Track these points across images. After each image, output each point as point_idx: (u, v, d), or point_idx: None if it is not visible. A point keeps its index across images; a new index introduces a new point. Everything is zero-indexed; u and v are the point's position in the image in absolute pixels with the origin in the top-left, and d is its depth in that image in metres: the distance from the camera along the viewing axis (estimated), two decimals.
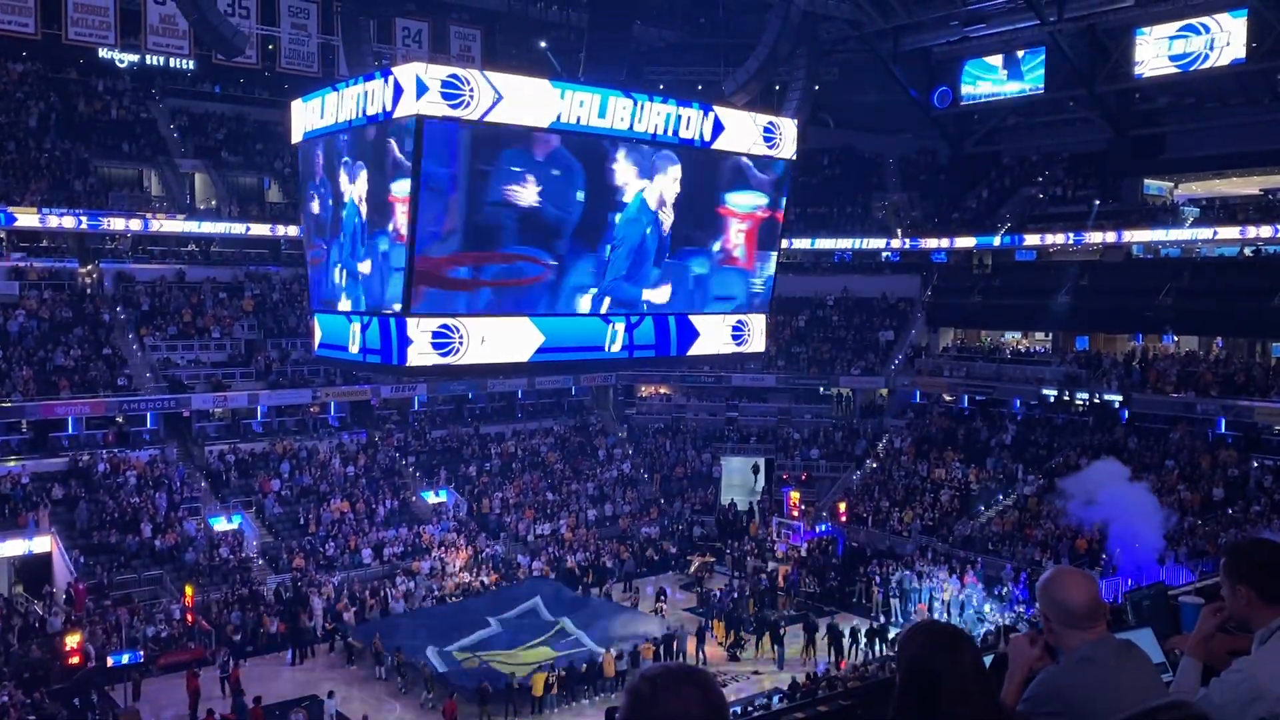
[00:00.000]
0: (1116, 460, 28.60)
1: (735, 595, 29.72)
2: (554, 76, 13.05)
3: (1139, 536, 25.03)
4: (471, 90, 11.12)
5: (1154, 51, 35.36)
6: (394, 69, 11.32)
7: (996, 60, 40.82)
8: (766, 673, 25.85)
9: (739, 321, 14.73)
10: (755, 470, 40.51)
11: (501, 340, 12.21)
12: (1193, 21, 34.29)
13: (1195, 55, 34.31)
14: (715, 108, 13.60)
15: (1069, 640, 2.90)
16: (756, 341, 15.08)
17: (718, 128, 13.50)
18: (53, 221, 33.41)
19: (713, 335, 14.39)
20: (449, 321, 11.67)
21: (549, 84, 12.01)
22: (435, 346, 11.61)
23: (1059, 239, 39.99)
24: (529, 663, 24.28)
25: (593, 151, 12.40)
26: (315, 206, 13.52)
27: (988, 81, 41.53)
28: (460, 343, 11.76)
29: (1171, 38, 34.67)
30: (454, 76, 11.09)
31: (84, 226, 34.23)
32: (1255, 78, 35.97)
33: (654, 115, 12.75)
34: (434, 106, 10.86)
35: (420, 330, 11.47)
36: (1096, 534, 27.83)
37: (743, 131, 13.82)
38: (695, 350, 14.33)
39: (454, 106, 11.00)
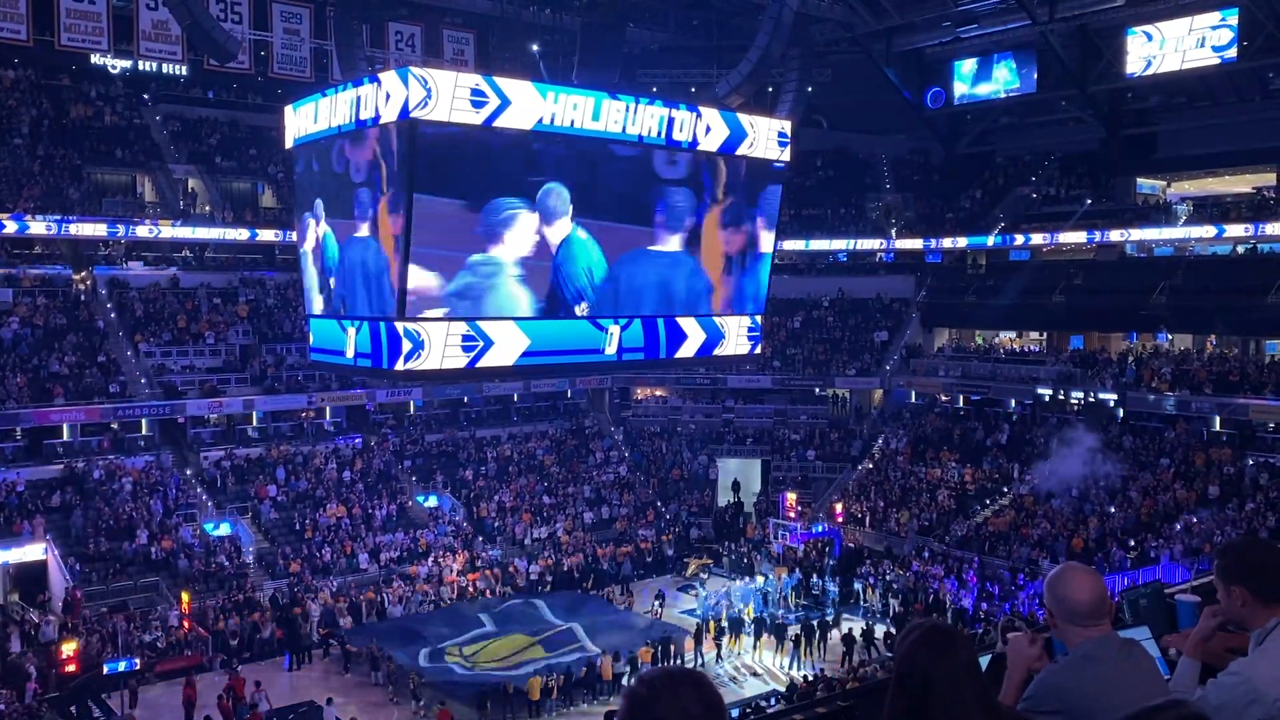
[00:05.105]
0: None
1: (732, 598, 29.68)
2: (561, 82, 13.05)
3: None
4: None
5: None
6: (380, 74, 11.29)
7: None
8: (764, 675, 25.87)
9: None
10: (735, 487, 39.57)
11: (507, 344, 12.17)
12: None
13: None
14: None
15: (1072, 637, 2.89)
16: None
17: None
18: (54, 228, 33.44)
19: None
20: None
21: (560, 88, 11.96)
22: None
23: (1073, 237, 39.78)
24: (518, 648, 24.50)
25: (602, 154, 12.36)
26: (309, 211, 13.48)
27: None
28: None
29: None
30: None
31: (101, 233, 34.34)
32: (1246, 76, 36.04)
33: (668, 121, 12.77)
34: (436, 111, 10.80)
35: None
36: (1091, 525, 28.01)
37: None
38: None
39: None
